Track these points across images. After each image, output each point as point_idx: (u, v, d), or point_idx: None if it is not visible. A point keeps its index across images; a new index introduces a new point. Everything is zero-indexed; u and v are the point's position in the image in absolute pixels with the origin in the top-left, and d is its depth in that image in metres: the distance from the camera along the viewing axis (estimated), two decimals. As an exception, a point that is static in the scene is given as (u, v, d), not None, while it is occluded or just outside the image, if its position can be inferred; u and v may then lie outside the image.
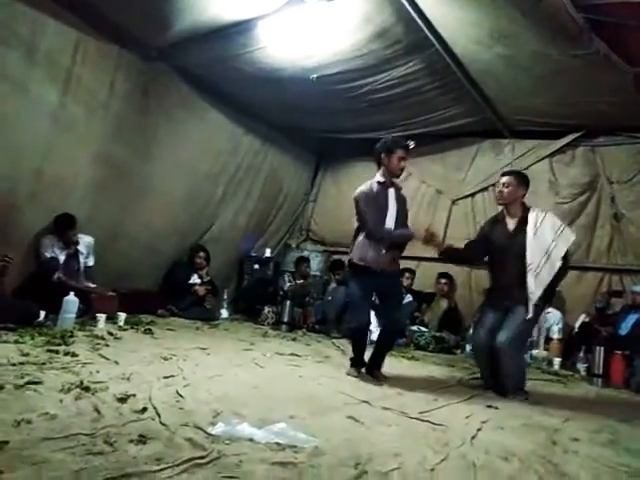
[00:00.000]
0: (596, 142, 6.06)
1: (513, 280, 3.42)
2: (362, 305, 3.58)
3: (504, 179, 3.57)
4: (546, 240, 3.35)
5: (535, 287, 3.33)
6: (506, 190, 3.54)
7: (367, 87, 5.33)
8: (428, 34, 4.33)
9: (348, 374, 3.53)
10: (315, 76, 5.08)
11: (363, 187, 3.61)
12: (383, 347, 3.64)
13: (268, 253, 7.27)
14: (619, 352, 4.42)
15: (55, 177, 4.56)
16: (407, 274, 6.48)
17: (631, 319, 5.01)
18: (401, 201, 3.68)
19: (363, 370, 3.59)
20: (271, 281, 7.00)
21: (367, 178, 3.73)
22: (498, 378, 3.41)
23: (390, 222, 3.55)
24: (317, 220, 7.94)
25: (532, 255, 3.35)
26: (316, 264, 7.17)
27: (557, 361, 5.09)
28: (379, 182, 3.59)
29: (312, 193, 8.07)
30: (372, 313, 6.02)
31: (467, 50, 4.56)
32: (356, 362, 3.61)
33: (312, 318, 6.28)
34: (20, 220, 4.39)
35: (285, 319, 6.00)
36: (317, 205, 8.01)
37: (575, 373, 4.81)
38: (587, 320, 5.37)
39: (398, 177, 3.68)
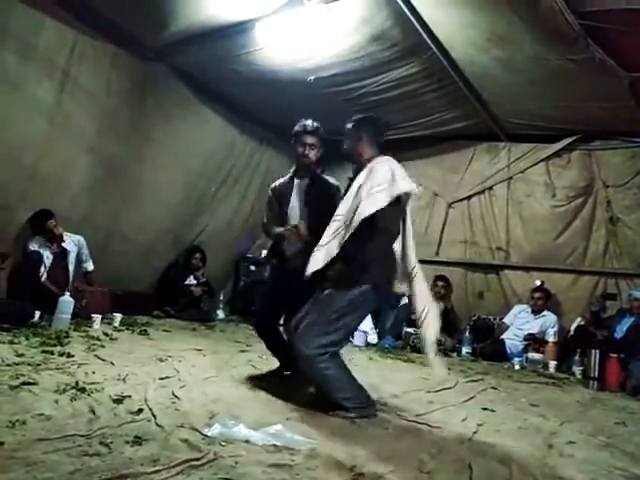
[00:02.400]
0: (592, 146, 6.07)
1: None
2: (265, 300, 3.48)
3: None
4: (360, 196, 2.59)
5: (327, 240, 2.59)
6: (346, 145, 2.89)
7: (364, 89, 5.33)
8: (425, 37, 4.33)
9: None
10: (312, 78, 5.08)
11: (276, 182, 3.40)
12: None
13: (264, 254, 7.25)
14: (614, 355, 4.42)
15: (49, 176, 4.55)
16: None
17: (626, 323, 5.01)
18: (315, 195, 3.21)
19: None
20: (267, 282, 6.98)
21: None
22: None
23: (295, 219, 3.19)
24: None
25: (344, 207, 2.65)
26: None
27: (553, 364, 5.09)
28: (289, 175, 3.36)
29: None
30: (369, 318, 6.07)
31: (464, 53, 4.57)
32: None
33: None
34: (13, 220, 4.37)
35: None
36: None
37: (571, 376, 4.80)
38: (582, 323, 5.37)
39: (305, 166, 3.25)
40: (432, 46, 4.45)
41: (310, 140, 3.19)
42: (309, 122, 3.21)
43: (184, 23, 4.34)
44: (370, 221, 2.53)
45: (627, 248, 5.78)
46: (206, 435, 1.88)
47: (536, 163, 6.31)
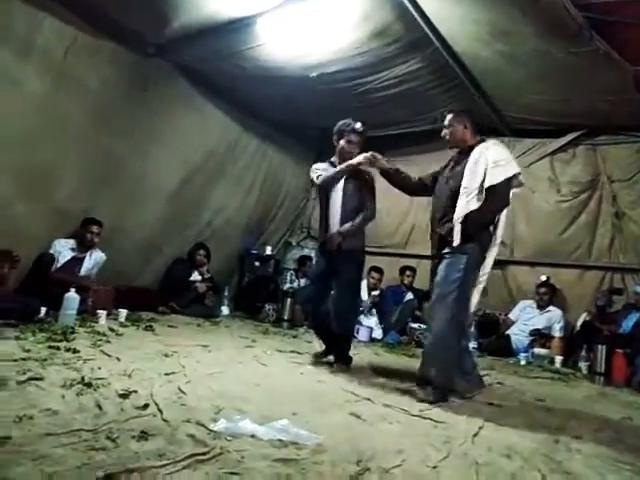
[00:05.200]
0: (597, 141, 6.04)
1: (445, 215, 3.15)
2: (314, 282, 3.89)
3: (445, 121, 3.29)
4: (484, 167, 3.01)
5: (461, 210, 3.00)
6: (448, 131, 3.27)
7: (367, 85, 5.32)
8: (428, 32, 4.31)
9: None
10: (315, 74, 5.07)
11: (318, 165, 3.86)
12: (334, 334, 3.70)
13: (269, 250, 7.27)
14: (620, 350, 4.42)
15: (48, 173, 4.54)
16: (408, 272, 6.49)
17: (633, 318, 4.99)
18: (356, 182, 3.67)
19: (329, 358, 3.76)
20: (272, 278, 7.01)
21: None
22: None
23: (336, 199, 3.73)
24: (318, 218, 7.91)
25: (468, 180, 3.03)
26: (316, 262, 7.18)
27: (559, 359, 5.09)
28: (331, 162, 3.80)
29: (313, 191, 8.06)
30: (375, 314, 6.09)
31: (467, 48, 4.55)
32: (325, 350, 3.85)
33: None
34: (10, 216, 4.36)
35: (286, 316, 6.01)
36: (318, 203, 7.97)
37: (577, 371, 4.81)
38: (588, 318, 5.36)
39: (348, 158, 3.64)
40: (435, 41, 4.44)
41: (356, 139, 3.66)
42: (359, 124, 3.65)
43: (185, 19, 4.35)
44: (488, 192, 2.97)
45: (633, 243, 5.75)
46: (212, 430, 1.88)
47: (540, 158, 6.28)
